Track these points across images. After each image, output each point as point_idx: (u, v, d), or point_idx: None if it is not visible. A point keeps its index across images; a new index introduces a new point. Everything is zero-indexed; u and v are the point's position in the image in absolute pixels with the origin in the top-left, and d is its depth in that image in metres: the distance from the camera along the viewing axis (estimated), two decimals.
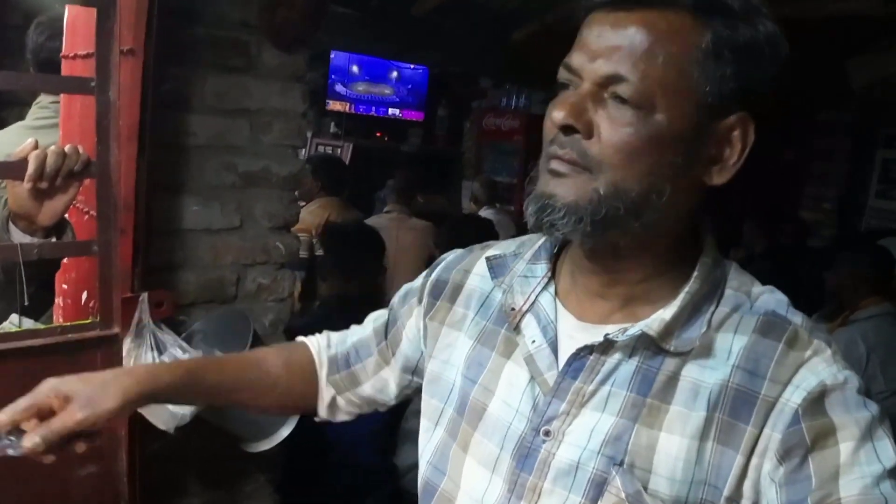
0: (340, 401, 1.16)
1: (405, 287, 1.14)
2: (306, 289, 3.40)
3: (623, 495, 0.79)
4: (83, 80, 1.47)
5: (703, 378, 0.80)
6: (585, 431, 0.83)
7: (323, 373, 1.15)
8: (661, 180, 0.78)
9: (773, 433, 0.75)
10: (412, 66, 6.98)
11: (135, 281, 1.63)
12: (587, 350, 0.84)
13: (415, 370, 1.10)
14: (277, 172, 1.97)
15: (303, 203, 3.82)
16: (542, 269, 0.94)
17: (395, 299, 1.14)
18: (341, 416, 1.18)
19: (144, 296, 1.63)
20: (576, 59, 0.81)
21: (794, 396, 0.76)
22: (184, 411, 1.57)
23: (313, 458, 2.25)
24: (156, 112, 1.65)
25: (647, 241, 0.83)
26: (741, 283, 0.87)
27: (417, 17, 3.54)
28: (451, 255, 1.09)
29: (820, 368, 0.77)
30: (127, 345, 1.57)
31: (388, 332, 1.12)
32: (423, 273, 1.12)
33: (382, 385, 1.14)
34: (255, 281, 1.98)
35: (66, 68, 1.67)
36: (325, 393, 1.15)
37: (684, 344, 0.81)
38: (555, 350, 0.88)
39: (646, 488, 0.79)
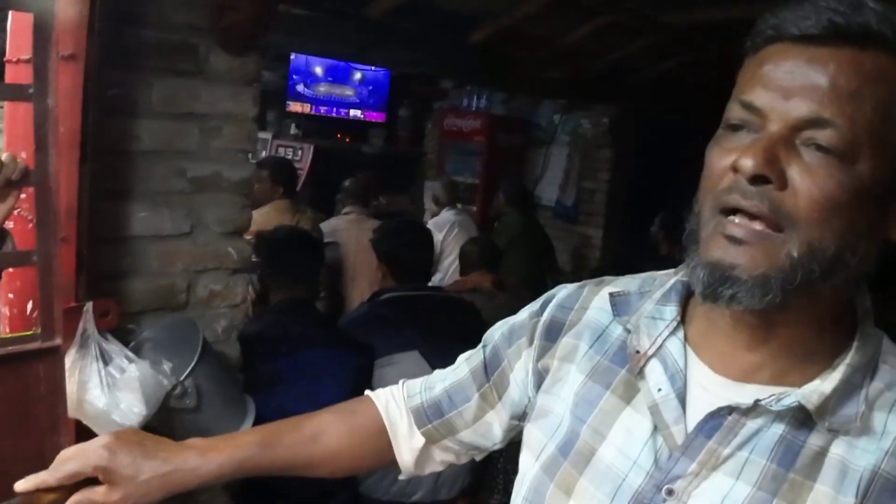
0: (435, 451, 1.09)
1: (507, 324, 1.05)
2: (262, 292, 3.37)
3: None
4: (20, 87, 1.44)
5: (853, 459, 0.73)
6: (716, 498, 0.75)
7: (402, 425, 1.08)
8: (857, 238, 0.71)
9: None
10: (373, 68, 6.96)
11: (79, 290, 1.59)
12: (728, 410, 0.76)
13: (522, 416, 1.01)
14: (228, 177, 1.94)
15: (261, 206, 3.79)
16: (671, 311, 0.85)
17: (497, 337, 1.05)
18: (434, 467, 1.12)
19: (89, 305, 1.59)
20: (760, 97, 0.72)
21: None
22: (130, 422, 1.55)
23: None
24: (101, 118, 1.62)
25: (815, 300, 0.75)
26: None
27: (374, 19, 3.52)
28: (562, 292, 1.00)
29: None
30: (71, 356, 1.54)
31: (489, 373, 1.04)
32: (529, 309, 1.03)
33: (486, 430, 1.06)
34: (206, 287, 1.95)
35: (10, 73, 1.63)
36: (411, 446, 1.08)
37: (840, 420, 0.74)
38: (683, 402, 0.80)
39: None
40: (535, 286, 4.04)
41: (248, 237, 2.10)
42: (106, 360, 1.58)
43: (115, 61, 1.68)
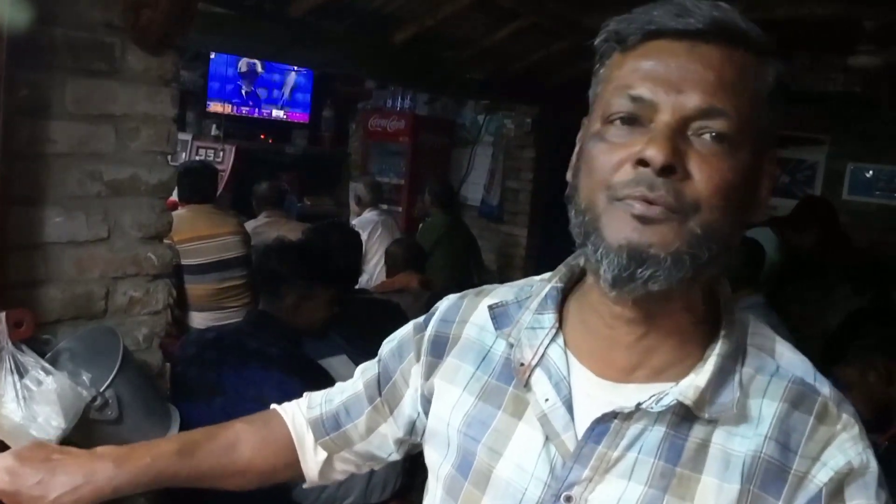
0: (336, 462, 1.10)
1: (395, 339, 1.06)
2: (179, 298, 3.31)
3: None
4: None
5: (733, 446, 0.77)
6: (611, 500, 0.78)
7: (308, 438, 1.09)
8: (742, 219, 0.77)
9: None
10: (295, 68, 6.88)
11: None
12: (612, 415, 0.79)
13: (412, 430, 1.04)
14: (147, 180, 1.89)
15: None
16: (549, 319, 0.87)
17: (386, 351, 1.07)
18: (337, 476, 1.14)
19: (1, 315, 1.53)
20: (647, 89, 0.74)
21: (820, 474, 0.75)
22: (49, 436, 1.49)
23: None
24: (10, 120, 1.55)
25: (693, 287, 0.78)
26: (764, 338, 0.84)
27: (295, 18, 3.48)
28: (444, 304, 1.02)
29: (847, 447, 0.77)
30: None
31: (381, 387, 1.05)
32: (414, 324, 1.04)
33: (380, 441, 1.07)
34: (125, 294, 1.89)
35: None
36: (314, 458, 1.09)
37: (718, 411, 0.77)
38: (570, 409, 0.82)
39: None
40: (462, 286, 4.04)
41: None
42: (21, 372, 1.51)
43: (25, 61, 1.61)
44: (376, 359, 1.09)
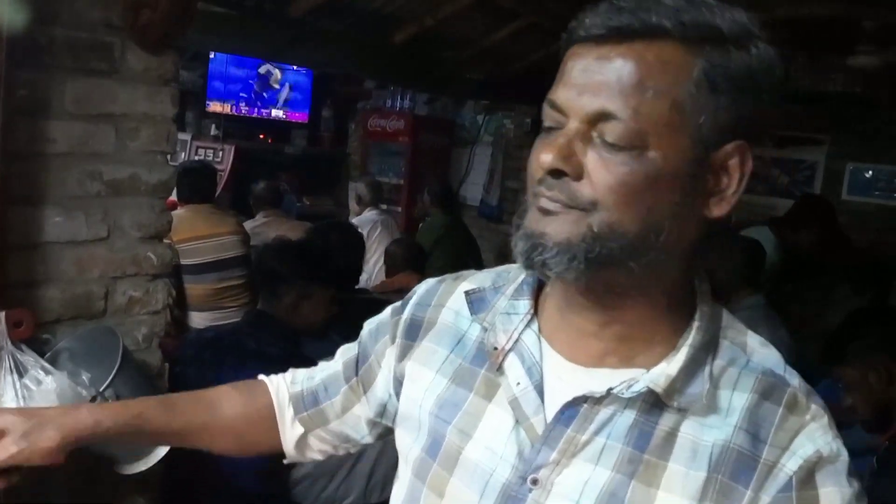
0: (311, 439, 1.11)
1: (375, 321, 1.08)
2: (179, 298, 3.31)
3: None
4: None
5: (702, 436, 0.78)
6: (578, 484, 0.79)
7: (288, 412, 1.10)
8: (659, 219, 0.75)
9: (764, 497, 0.76)
10: (295, 68, 6.87)
11: None
12: (582, 399, 0.80)
13: (384, 412, 1.05)
14: (147, 180, 1.89)
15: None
16: (524, 305, 0.89)
17: (365, 333, 1.09)
18: (313, 455, 1.14)
19: (1, 315, 1.53)
20: (560, 95, 0.77)
21: (790, 462, 0.76)
22: None
23: (194, 475, 2.17)
24: (10, 119, 1.55)
25: (646, 280, 0.79)
26: (737, 331, 0.85)
27: (295, 18, 3.48)
28: (422, 288, 1.03)
29: (817, 436, 0.77)
30: None
31: (358, 367, 1.07)
32: (392, 307, 1.05)
33: (354, 422, 1.08)
34: (125, 294, 1.89)
35: None
36: (292, 432, 1.10)
37: (688, 401, 0.78)
38: (541, 393, 0.83)
39: None
40: None
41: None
42: (21, 371, 1.51)
43: (25, 60, 1.61)
44: (358, 340, 1.10)
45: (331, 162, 7.37)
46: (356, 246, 3.09)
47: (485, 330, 0.90)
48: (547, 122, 0.79)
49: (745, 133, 0.77)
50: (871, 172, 5.30)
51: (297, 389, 1.11)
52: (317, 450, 1.13)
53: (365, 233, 4.80)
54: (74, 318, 1.79)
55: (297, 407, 1.10)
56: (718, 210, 0.78)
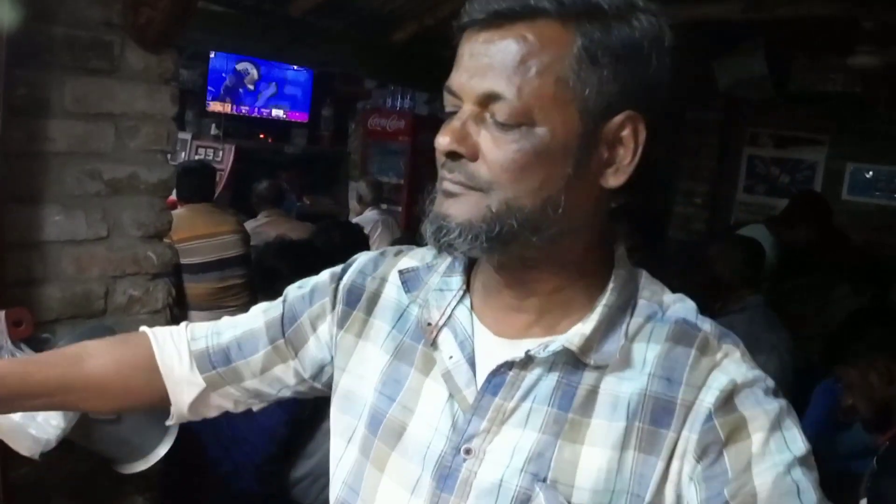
0: (214, 396, 1.06)
1: (308, 283, 1.06)
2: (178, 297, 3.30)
3: None
4: None
5: (621, 389, 0.80)
6: (508, 449, 0.81)
7: (183, 368, 1.04)
8: (554, 192, 0.77)
9: (690, 434, 0.77)
10: (295, 67, 6.87)
11: None
12: (507, 366, 0.83)
13: (318, 374, 1.03)
14: (146, 179, 1.89)
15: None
16: (456, 281, 0.91)
17: (294, 295, 1.05)
18: (208, 413, 1.09)
19: (1, 314, 1.53)
20: (454, 80, 0.80)
21: (707, 397, 0.77)
22: (48, 436, 1.48)
23: (193, 474, 2.17)
24: (10, 118, 1.55)
25: (554, 252, 0.82)
26: (653, 292, 0.87)
27: (295, 17, 3.48)
28: (363, 258, 1.04)
29: (731, 369, 0.79)
30: None
31: (285, 328, 1.04)
32: (330, 272, 1.04)
33: (274, 381, 1.05)
34: (125, 293, 1.89)
35: None
36: (189, 389, 1.05)
37: (604, 357, 0.81)
38: (473, 366, 0.86)
39: (569, 503, 0.78)
40: None
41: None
42: None
43: (24, 59, 1.61)
44: (280, 300, 1.07)
45: (331, 161, 7.37)
46: (359, 244, 3.09)
47: (419, 307, 0.92)
48: (448, 108, 0.82)
49: (635, 104, 0.79)
50: (871, 173, 5.30)
51: (200, 346, 1.05)
52: (215, 406, 1.08)
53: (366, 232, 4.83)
54: (74, 317, 1.79)
55: (202, 364, 1.04)
56: (615, 180, 0.80)
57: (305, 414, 2.20)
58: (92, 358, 1.03)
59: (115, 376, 1.05)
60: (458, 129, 0.78)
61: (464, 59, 0.79)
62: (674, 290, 0.89)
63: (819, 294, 3.53)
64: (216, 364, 1.04)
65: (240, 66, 6.68)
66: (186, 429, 1.77)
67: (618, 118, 0.78)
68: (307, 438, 2.30)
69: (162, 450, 1.68)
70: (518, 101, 0.75)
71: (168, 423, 1.09)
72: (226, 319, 1.09)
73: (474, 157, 0.78)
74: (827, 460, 2.56)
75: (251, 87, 6.83)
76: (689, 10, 3.45)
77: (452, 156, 0.79)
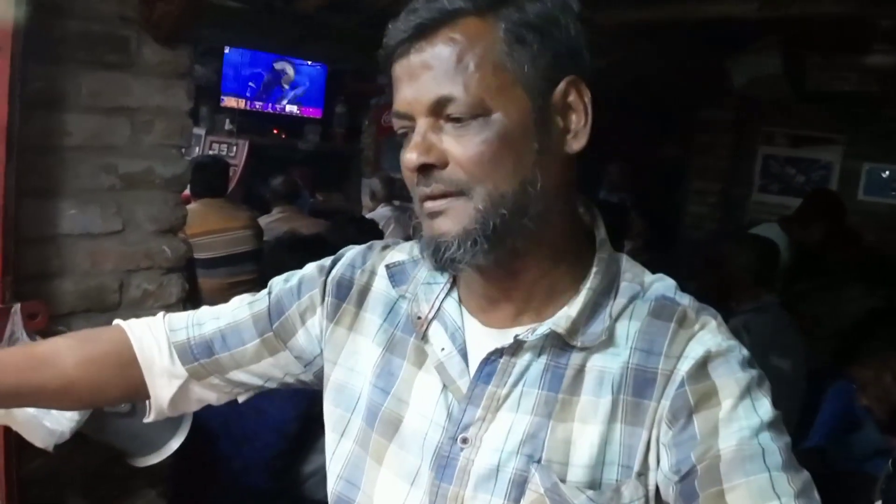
0: (196, 388, 1.05)
1: (294, 276, 1.06)
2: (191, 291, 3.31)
3: (542, 490, 0.81)
4: None
5: (606, 365, 0.83)
6: (502, 434, 0.84)
7: (161, 361, 1.02)
8: (528, 171, 0.81)
9: (665, 402, 0.80)
10: (309, 63, 6.88)
11: (5, 292, 1.53)
12: (498, 353, 0.86)
13: (307, 367, 1.03)
14: (161, 174, 1.89)
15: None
16: (444, 274, 0.93)
17: (280, 287, 1.05)
18: (191, 406, 1.09)
19: (17, 307, 1.53)
20: (400, 102, 0.83)
21: (683, 365, 0.81)
22: (62, 428, 1.49)
23: (205, 470, 2.18)
24: (27, 113, 1.56)
25: (540, 233, 0.84)
26: (635, 274, 0.90)
27: (308, 13, 3.48)
28: (351, 251, 1.05)
29: (706, 339, 0.82)
30: None
31: (272, 320, 1.03)
32: (317, 265, 1.05)
33: (261, 373, 1.05)
34: (139, 287, 1.90)
35: None
36: (170, 382, 1.03)
37: (590, 338, 0.84)
38: (465, 356, 0.88)
39: (564, 480, 0.81)
40: None
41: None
42: None
43: (41, 53, 1.62)
44: (265, 292, 1.07)
45: (344, 158, 7.37)
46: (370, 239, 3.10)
47: (408, 301, 0.95)
48: (400, 131, 0.85)
49: (570, 69, 0.83)
50: (887, 173, 5.26)
51: (181, 338, 1.04)
52: (196, 400, 1.07)
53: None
54: (88, 310, 1.79)
55: (183, 356, 1.03)
56: (577, 144, 0.84)
57: (316, 409, 2.21)
58: (63, 357, 1.01)
59: (88, 374, 1.02)
60: (421, 142, 0.81)
61: (403, 80, 0.82)
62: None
63: (833, 294, 3.51)
64: (198, 356, 1.03)
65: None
66: (197, 425, 1.77)
67: (560, 86, 0.82)
68: (318, 433, 2.30)
69: (175, 443, 1.69)
70: (468, 96, 0.78)
71: (146, 419, 1.07)
72: (205, 309, 1.08)
73: (444, 163, 0.81)
74: (840, 461, 2.55)
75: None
76: (703, 8, 3.43)
77: (424, 170, 0.81)
